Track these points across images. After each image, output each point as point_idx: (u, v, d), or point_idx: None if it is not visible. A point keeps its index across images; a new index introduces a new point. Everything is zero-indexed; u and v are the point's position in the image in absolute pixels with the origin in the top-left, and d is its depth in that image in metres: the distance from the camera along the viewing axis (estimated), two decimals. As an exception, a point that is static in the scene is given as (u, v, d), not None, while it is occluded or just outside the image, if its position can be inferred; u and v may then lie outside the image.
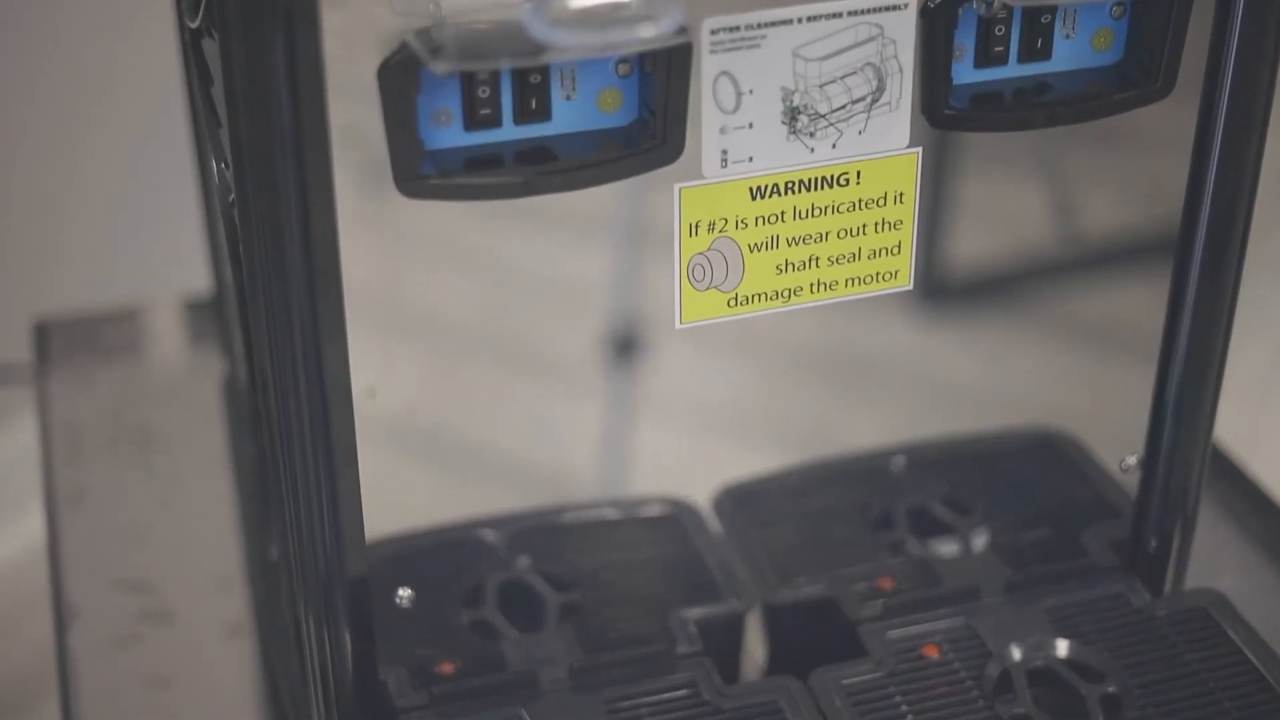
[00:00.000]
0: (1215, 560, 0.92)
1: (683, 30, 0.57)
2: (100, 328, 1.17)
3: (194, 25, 0.71)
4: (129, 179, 1.40)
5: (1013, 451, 0.87)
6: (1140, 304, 0.79)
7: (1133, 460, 0.81)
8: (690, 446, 0.81)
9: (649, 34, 0.55)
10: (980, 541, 0.84)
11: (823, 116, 0.70)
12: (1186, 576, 0.83)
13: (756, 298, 0.72)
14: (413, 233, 0.68)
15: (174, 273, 1.26)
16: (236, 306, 0.77)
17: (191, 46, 0.82)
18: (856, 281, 0.73)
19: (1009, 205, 0.77)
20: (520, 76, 0.67)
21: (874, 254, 0.73)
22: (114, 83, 1.28)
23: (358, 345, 0.68)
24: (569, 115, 0.68)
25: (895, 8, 0.68)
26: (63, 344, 1.15)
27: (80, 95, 1.30)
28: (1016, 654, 0.78)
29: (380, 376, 0.70)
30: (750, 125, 0.69)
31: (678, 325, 0.72)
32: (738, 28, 0.67)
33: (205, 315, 1.16)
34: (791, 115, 0.69)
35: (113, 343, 1.16)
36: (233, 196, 0.69)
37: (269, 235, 0.65)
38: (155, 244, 1.39)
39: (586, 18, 0.55)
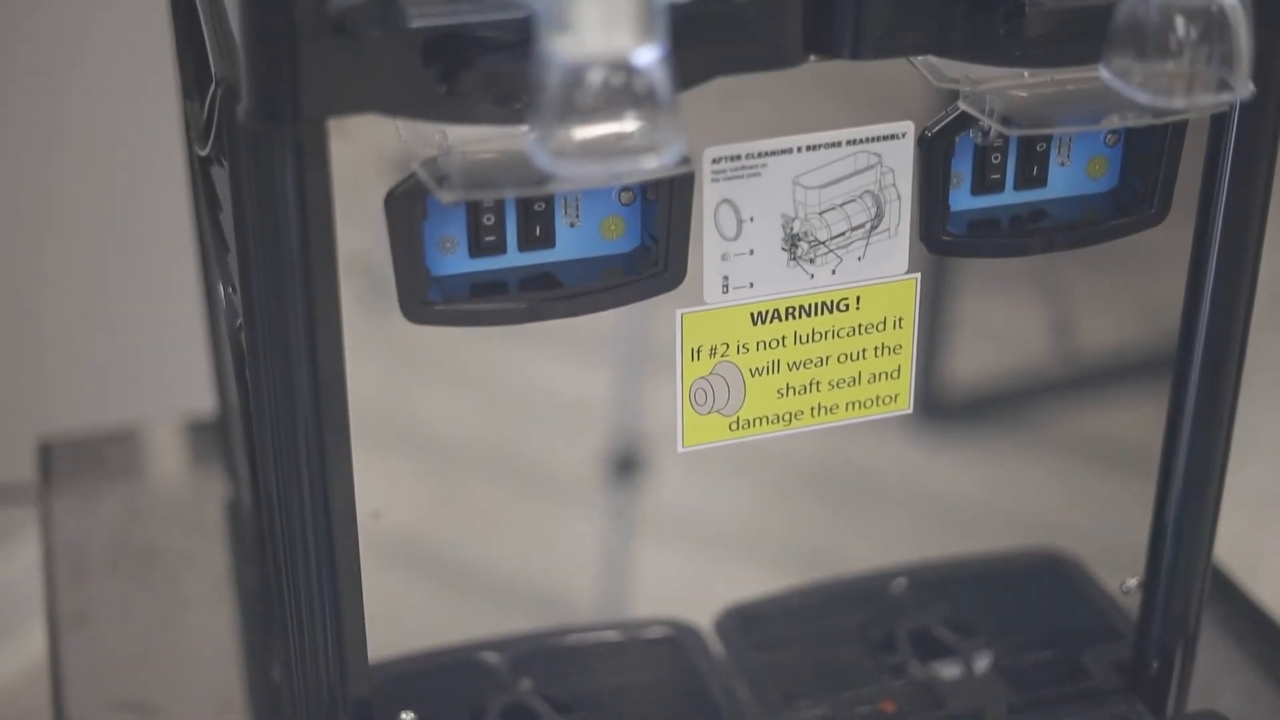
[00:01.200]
0: (1217, 681, 0.92)
1: (685, 160, 0.58)
2: (103, 448, 1.17)
3: (204, 153, 0.73)
4: (133, 299, 1.41)
5: (1014, 572, 0.87)
6: (1139, 423, 0.79)
7: (1133, 582, 0.81)
8: (692, 567, 0.81)
9: (652, 165, 0.56)
10: (983, 663, 0.84)
11: (822, 243, 0.71)
12: (1189, 698, 0.82)
13: (758, 421, 0.73)
14: (417, 355, 0.69)
15: (176, 391, 1.27)
16: (242, 428, 0.77)
17: (200, 172, 0.83)
18: (857, 405, 0.74)
19: (1007, 326, 0.78)
20: (525, 204, 0.68)
21: (874, 378, 0.74)
22: (119, 202, 1.29)
23: (363, 467, 0.68)
24: (572, 242, 0.69)
25: (893, 137, 0.70)
26: (66, 464, 1.16)
27: (85, 214, 1.31)
28: (1020, 777, 0.78)
29: (385, 499, 0.70)
30: (751, 252, 0.70)
31: (680, 449, 0.72)
32: (739, 156, 0.68)
33: (207, 436, 1.17)
34: (792, 242, 0.70)
35: (116, 463, 1.16)
36: (240, 320, 0.69)
37: (276, 359, 0.66)
38: (158, 363, 1.40)
39: (591, 148, 0.56)
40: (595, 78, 0.54)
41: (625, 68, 0.55)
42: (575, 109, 0.55)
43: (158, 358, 1.38)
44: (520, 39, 0.60)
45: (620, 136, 0.55)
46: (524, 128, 0.57)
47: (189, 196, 1.01)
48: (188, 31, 0.86)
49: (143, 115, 1.19)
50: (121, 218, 1.32)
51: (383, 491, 0.70)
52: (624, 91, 0.55)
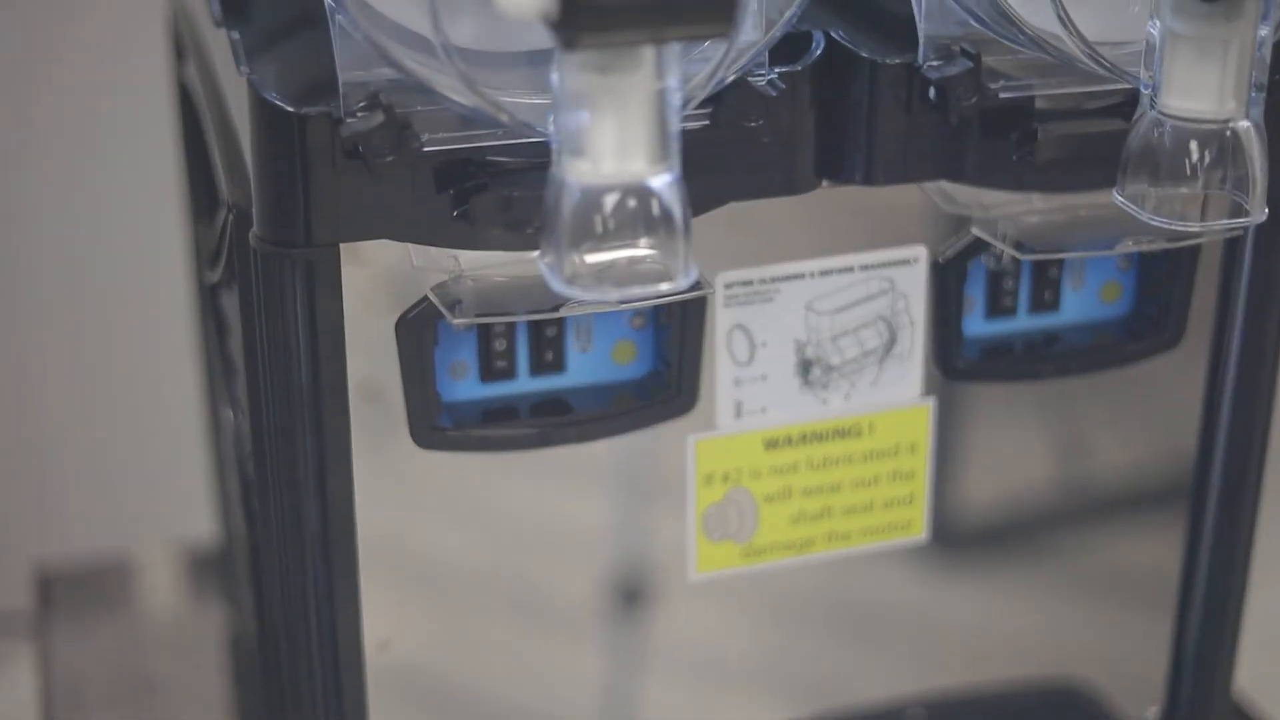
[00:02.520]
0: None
1: (698, 284, 0.58)
2: (102, 577, 1.16)
3: (214, 276, 0.72)
4: (132, 423, 1.40)
5: (1031, 703, 0.86)
6: (1156, 549, 0.79)
7: (1152, 712, 0.80)
8: (703, 698, 0.80)
9: (666, 290, 0.56)
10: (999, 796, 0.83)
11: (835, 368, 0.70)
12: (1210, 831, 0.81)
13: (771, 549, 0.72)
14: (427, 482, 0.68)
15: (174, 516, 1.26)
16: (246, 556, 0.76)
17: (207, 295, 0.83)
18: (871, 532, 0.73)
19: (1021, 451, 0.77)
20: (536, 329, 0.67)
21: (888, 505, 0.73)
22: (120, 324, 1.29)
23: (371, 597, 0.67)
24: (584, 367, 0.69)
25: (906, 262, 0.69)
26: (64, 594, 1.14)
27: (85, 335, 1.31)
28: None
29: (393, 628, 0.69)
30: (764, 377, 0.69)
31: (692, 576, 0.71)
32: (751, 281, 0.68)
33: (207, 564, 1.15)
34: (805, 367, 0.70)
35: (114, 593, 1.15)
36: (247, 446, 0.69)
37: (284, 485, 0.65)
38: (156, 488, 1.39)
39: (604, 274, 0.55)
40: (609, 203, 0.54)
41: (640, 193, 0.54)
42: (589, 234, 0.55)
43: (156, 482, 1.37)
44: (534, 164, 0.60)
45: (634, 261, 0.55)
46: (536, 252, 0.56)
47: (192, 319, 1.00)
48: (196, 153, 0.86)
49: (147, 236, 1.19)
50: (123, 339, 1.32)
51: (391, 621, 0.69)
52: (638, 217, 0.54)
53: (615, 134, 0.54)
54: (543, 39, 0.52)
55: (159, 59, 1.03)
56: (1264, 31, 0.60)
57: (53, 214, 1.23)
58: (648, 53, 0.53)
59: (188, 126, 0.86)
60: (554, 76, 0.54)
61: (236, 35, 0.66)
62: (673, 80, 0.54)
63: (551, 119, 0.55)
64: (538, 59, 0.57)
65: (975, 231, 0.69)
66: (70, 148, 1.20)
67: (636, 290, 0.55)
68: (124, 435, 1.36)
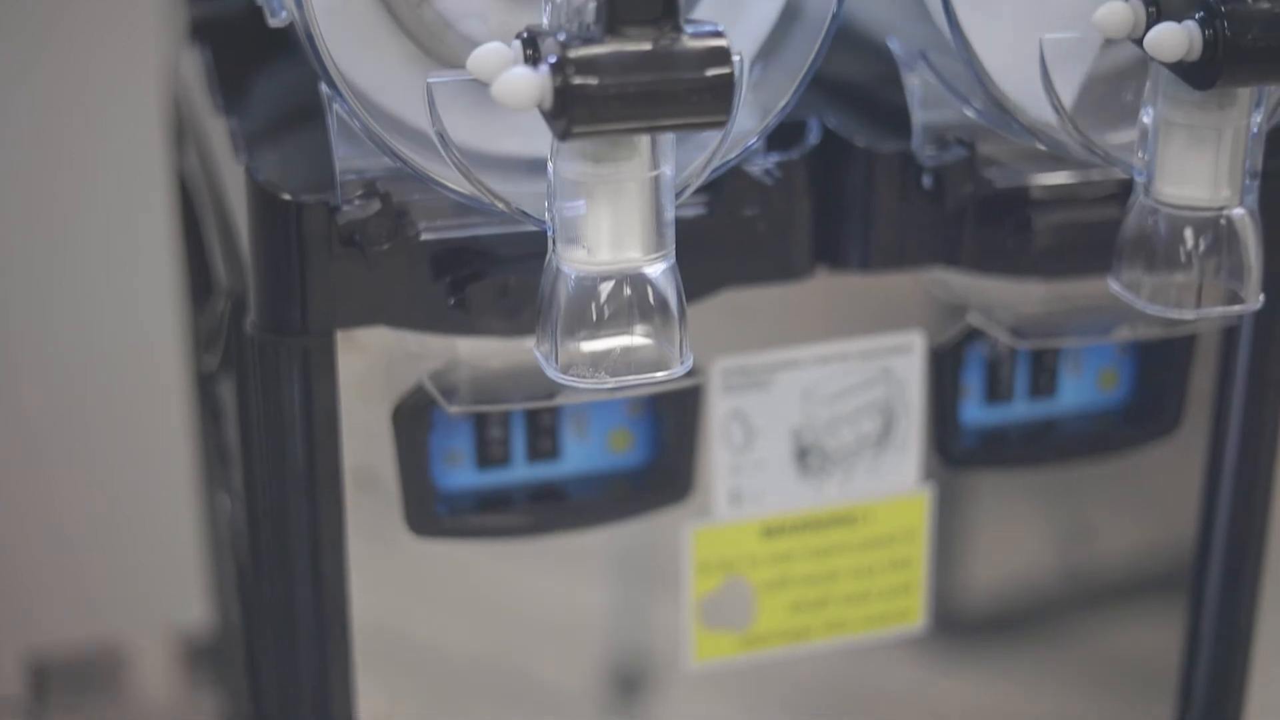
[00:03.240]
0: None
1: (694, 372, 0.57)
2: (95, 665, 1.15)
3: (214, 365, 0.72)
4: (126, 509, 1.40)
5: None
6: (1157, 637, 0.78)
7: (1154, 802, 0.79)
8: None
9: (662, 378, 0.56)
10: None
11: (832, 455, 0.70)
12: None
13: (769, 637, 0.71)
14: (422, 569, 0.68)
15: (169, 603, 1.25)
16: (242, 644, 0.76)
17: (204, 382, 0.83)
18: (869, 620, 0.73)
19: (1019, 538, 0.77)
20: (532, 416, 0.67)
21: (886, 593, 0.72)
22: (117, 412, 1.29)
23: (365, 685, 0.67)
24: (580, 454, 0.68)
25: (903, 349, 0.69)
26: (58, 682, 1.14)
27: (80, 424, 1.31)
28: None
29: (388, 717, 0.69)
30: (761, 464, 0.69)
31: (690, 665, 0.71)
32: (748, 369, 0.68)
33: (202, 652, 1.15)
34: (802, 454, 0.70)
35: (108, 681, 1.14)
36: (241, 533, 0.68)
37: (279, 573, 0.65)
38: (150, 575, 1.38)
39: (600, 362, 0.55)
40: (605, 291, 0.54)
41: (635, 281, 0.54)
42: (584, 322, 0.55)
43: (150, 569, 1.37)
44: (530, 252, 0.60)
45: (630, 350, 0.55)
46: (532, 339, 0.56)
47: (188, 404, 1.00)
48: (192, 239, 0.87)
49: (141, 322, 1.19)
50: (117, 425, 1.31)
51: (386, 709, 0.68)
52: (634, 305, 0.54)
53: (610, 222, 0.54)
54: (540, 133, 0.53)
55: (155, 144, 1.03)
56: (1257, 119, 0.60)
57: (48, 299, 1.23)
58: (643, 141, 0.53)
59: (183, 210, 0.86)
60: (549, 165, 0.54)
61: (235, 124, 0.66)
62: (668, 168, 0.54)
63: (547, 207, 0.55)
64: (536, 166, 0.57)
65: (972, 319, 0.69)
66: (66, 232, 1.21)
67: (632, 379, 0.55)
68: (118, 521, 1.36)
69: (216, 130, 0.71)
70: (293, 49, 0.67)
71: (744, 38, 0.61)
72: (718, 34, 0.51)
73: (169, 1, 0.91)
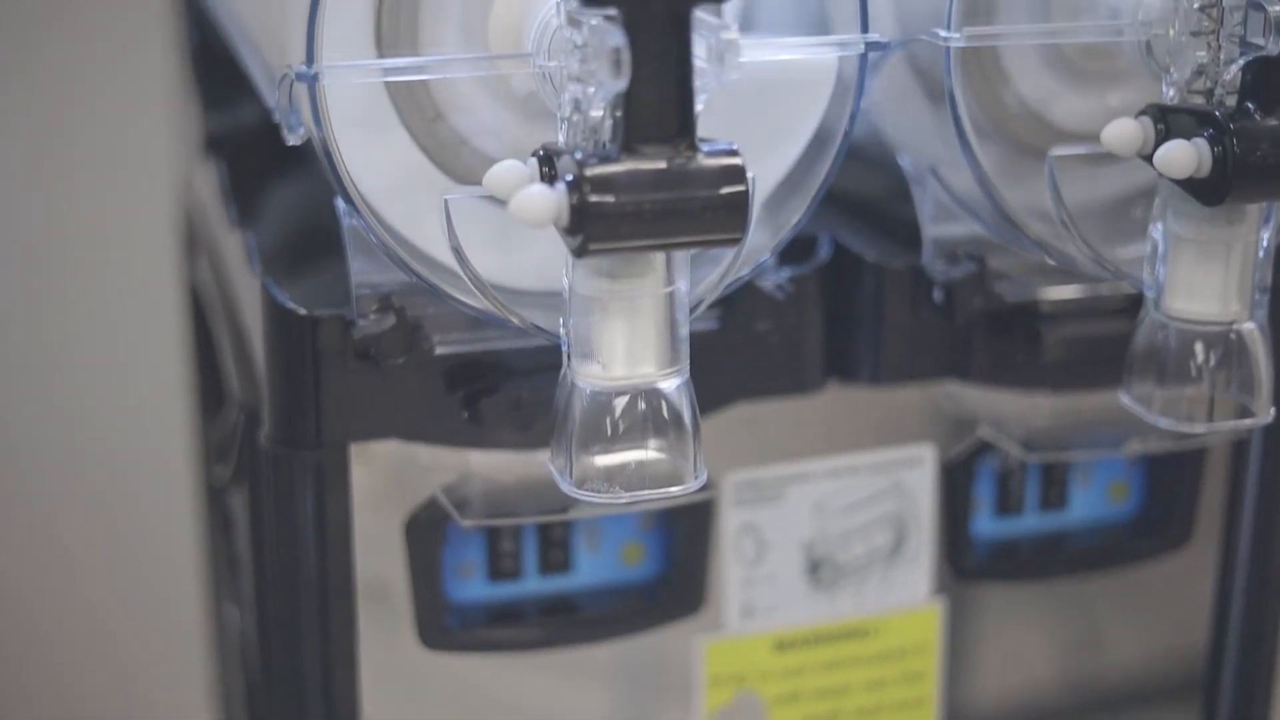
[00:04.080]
0: None
1: (706, 485, 0.58)
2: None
3: (225, 476, 0.72)
4: (134, 621, 1.39)
5: None
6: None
7: None
8: None
9: (676, 493, 0.56)
10: None
11: (844, 568, 0.70)
12: None
13: (781, 751, 0.71)
14: (433, 683, 0.68)
15: (178, 716, 1.24)
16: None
17: (215, 493, 0.83)
18: (881, 734, 0.72)
19: (1032, 650, 0.77)
20: (544, 529, 0.67)
21: (898, 707, 0.72)
22: (126, 522, 1.29)
23: (374, 800, 0.66)
24: (592, 567, 0.68)
25: (914, 462, 0.69)
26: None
27: (87, 535, 1.31)
28: None
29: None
30: (772, 577, 0.69)
31: (701, 780, 0.70)
32: (759, 482, 0.68)
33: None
34: (813, 567, 0.70)
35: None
36: (252, 645, 0.68)
37: (290, 685, 0.65)
38: (158, 686, 1.38)
39: (614, 476, 0.55)
40: (619, 406, 0.54)
41: (650, 396, 0.54)
42: (599, 437, 0.55)
43: (158, 681, 1.36)
44: (544, 365, 0.60)
45: (644, 465, 0.55)
46: (545, 452, 0.56)
47: (197, 514, 1.00)
48: (203, 351, 0.87)
49: (151, 433, 1.20)
50: (126, 536, 1.31)
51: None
52: (648, 420, 0.55)
53: (625, 338, 0.54)
54: (556, 251, 0.53)
55: (167, 255, 1.04)
56: (1266, 234, 0.61)
57: (58, 408, 1.23)
58: (658, 258, 0.53)
59: (195, 321, 0.87)
60: (564, 280, 0.54)
61: (251, 238, 0.67)
62: (683, 284, 0.55)
63: (562, 321, 0.55)
64: (552, 299, 0.58)
65: (983, 432, 0.69)
66: (77, 342, 1.21)
67: (647, 493, 0.55)
68: (127, 631, 1.35)
69: (231, 243, 0.72)
70: (306, 161, 0.67)
71: (772, 168, 0.61)
72: (732, 152, 0.51)
73: (182, 113, 0.92)
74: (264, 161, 0.76)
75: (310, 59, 0.54)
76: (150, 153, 1.09)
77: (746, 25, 0.62)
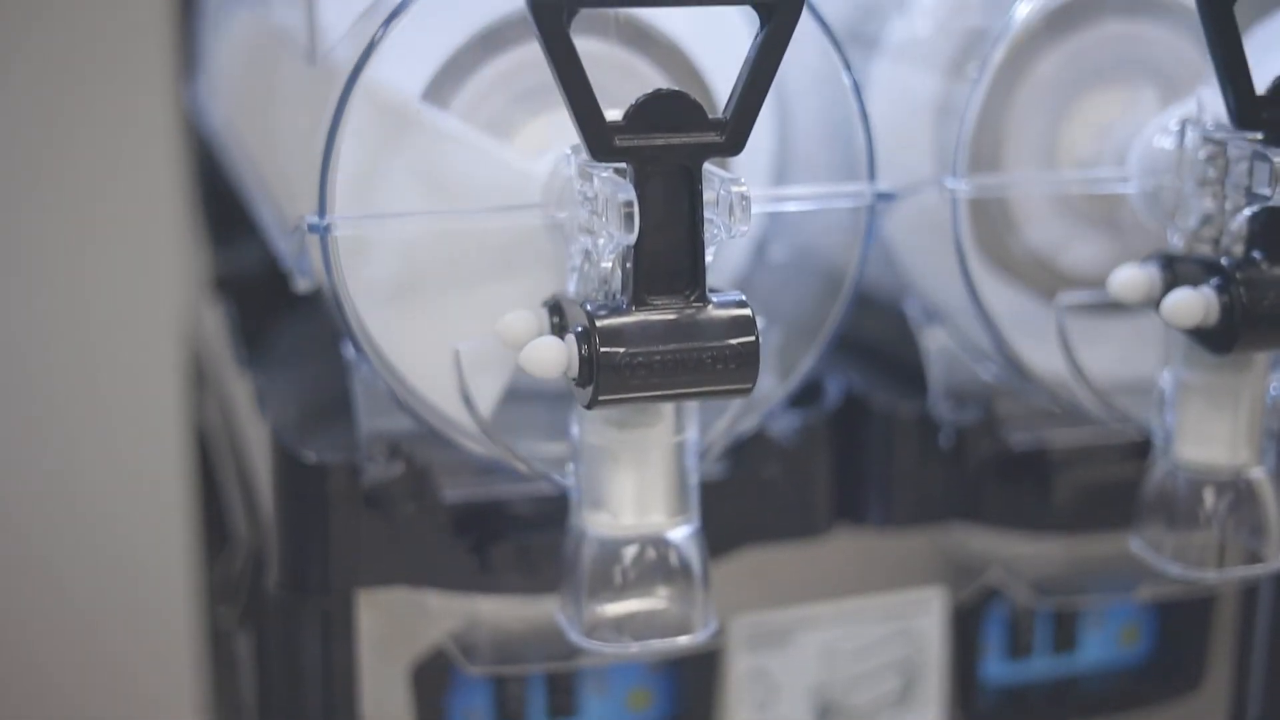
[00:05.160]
0: None
1: (715, 631, 0.57)
2: None
3: (231, 619, 0.72)
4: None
5: None
6: None
7: None
8: None
9: (685, 642, 0.55)
10: None
11: (853, 713, 0.69)
12: None
13: None
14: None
15: None
16: None
17: (217, 637, 0.82)
18: None
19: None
20: (552, 675, 0.67)
21: None
22: (128, 666, 1.28)
23: None
24: (599, 713, 0.68)
25: (923, 607, 0.69)
26: None
27: (88, 674, 1.30)
28: None
29: None
30: (781, 722, 0.69)
31: None
32: (769, 626, 0.67)
33: None
34: (822, 712, 0.69)
35: None
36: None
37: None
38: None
39: (623, 624, 0.55)
40: (629, 555, 0.54)
41: (659, 545, 0.54)
42: (608, 585, 0.54)
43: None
44: (552, 511, 0.60)
45: (653, 614, 0.55)
46: (553, 599, 0.56)
47: (198, 658, 0.99)
48: (207, 491, 0.87)
49: (151, 572, 1.19)
50: (126, 678, 1.30)
51: None
52: (657, 569, 0.54)
53: (635, 487, 0.54)
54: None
55: (173, 397, 1.04)
56: (1274, 381, 0.61)
57: (60, 548, 1.23)
58: (668, 407, 0.54)
59: (201, 465, 0.87)
60: (574, 429, 0.54)
61: (259, 381, 0.67)
62: (691, 433, 0.55)
63: (570, 469, 0.55)
64: (557, 404, 0.58)
65: (992, 577, 0.69)
66: (81, 481, 1.21)
67: (655, 643, 0.55)
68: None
69: (239, 386, 0.72)
70: (314, 303, 0.67)
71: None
72: (742, 303, 0.51)
73: (190, 253, 0.93)
74: (272, 301, 0.76)
75: (322, 210, 0.55)
76: (158, 293, 1.10)
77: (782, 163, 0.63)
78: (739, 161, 0.56)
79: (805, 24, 0.52)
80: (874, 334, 0.70)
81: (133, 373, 1.16)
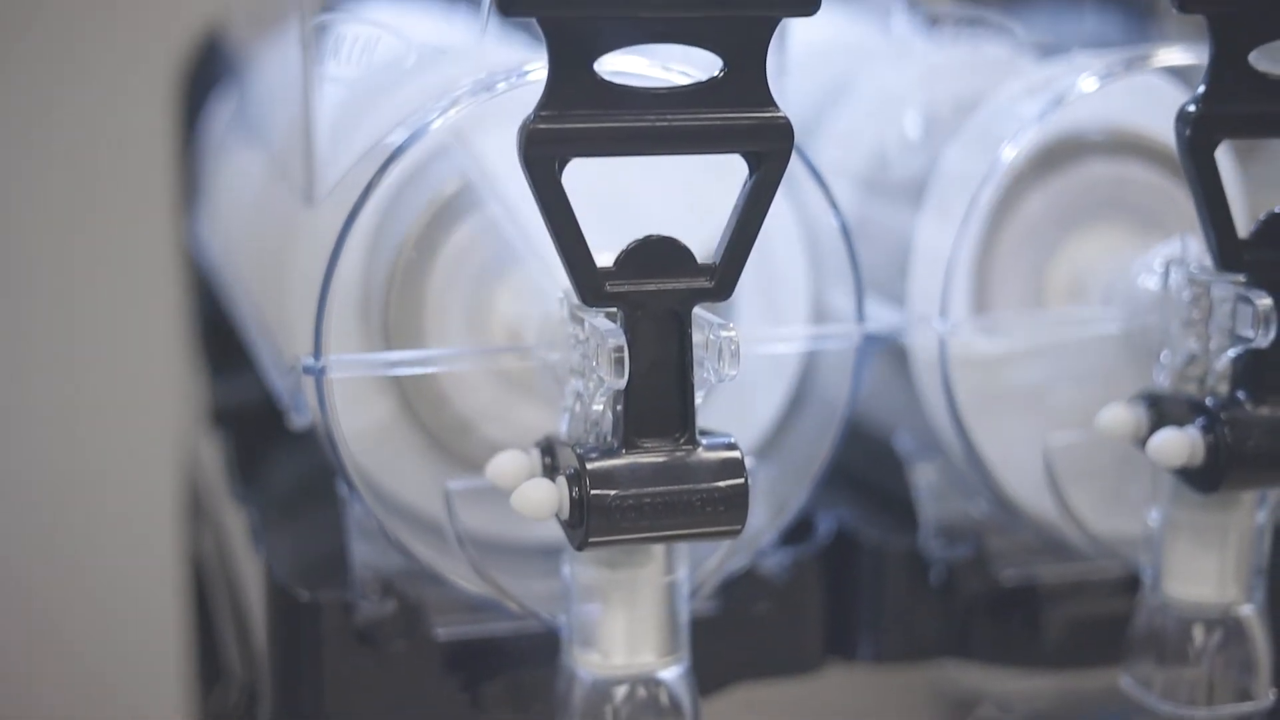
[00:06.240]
0: None
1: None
2: None
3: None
4: None
5: None
6: None
7: None
8: None
9: None
10: None
11: None
12: None
13: None
14: None
15: None
16: None
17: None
18: None
19: None
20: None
21: None
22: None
23: None
24: None
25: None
26: None
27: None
28: None
29: None
30: None
31: None
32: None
33: None
34: None
35: None
36: None
37: None
38: None
39: None
40: (620, 694, 0.54)
41: (650, 684, 0.54)
42: (599, 724, 0.55)
43: None
44: (543, 648, 0.60)
45: None
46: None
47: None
48: (202, 622, 0.87)
49: (145, 703, 1.19)
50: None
51: None
52: (649, 708, 0.55)
53: (626, 626, 0.54)
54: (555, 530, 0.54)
55: (168, 527, 1.04)
56: (1261, 517, 0.61)
57: (53, 679, 1.22)
58: (658, 548, 0.54)
59: (196, 595, 0.87)
60: (565, 570, 0.55)
61: (253, 515, 0.67)
62: (682, 572, 0.55)
63: (561, 608, 0.56)
64: (550, 553, 0.58)
65: (983, 712, 0.69)
66: (78, 615, 1.21)
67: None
68: None
69: (234, 519, 0.72)
70: (312, 432, 0.68)
71: (750, 428, 0.62)
72: (731, 445, 0.52)
73: (188, 385, 0.93)
74: (269, 434, 0.76)
75: (317, 352, 0.55)
76: (156, 423, 1.10)
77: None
78: (776, 299, 0.56)
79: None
80: (863, 467, 0.71)
81: (130, 503, 1.16)
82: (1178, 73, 0.64)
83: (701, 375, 0.52)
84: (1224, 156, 0.58)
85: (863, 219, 0.68)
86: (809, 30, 0.57)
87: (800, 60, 0.65)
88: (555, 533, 0.53)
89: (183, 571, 0.94)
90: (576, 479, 0.51)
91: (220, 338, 0.85)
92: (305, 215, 0.62)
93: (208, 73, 0.95)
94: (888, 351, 0.66)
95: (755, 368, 0.61)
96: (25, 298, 1.15)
